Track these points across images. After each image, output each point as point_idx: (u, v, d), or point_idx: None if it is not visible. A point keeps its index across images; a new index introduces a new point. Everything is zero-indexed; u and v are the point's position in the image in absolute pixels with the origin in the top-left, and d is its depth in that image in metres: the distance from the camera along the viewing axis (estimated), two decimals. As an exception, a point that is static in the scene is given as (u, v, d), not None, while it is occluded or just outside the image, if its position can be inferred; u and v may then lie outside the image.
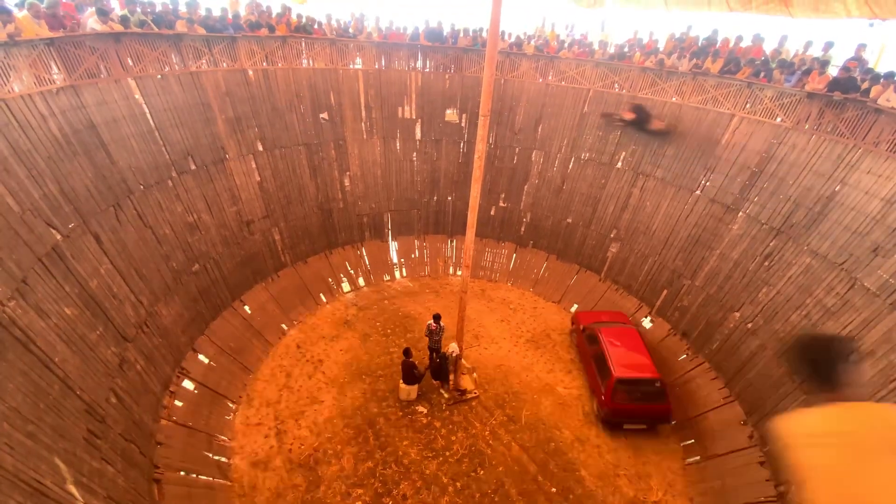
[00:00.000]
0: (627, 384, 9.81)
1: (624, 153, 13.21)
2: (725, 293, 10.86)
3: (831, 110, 9.32)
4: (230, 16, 11.42)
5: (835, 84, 9.31)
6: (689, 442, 10.12)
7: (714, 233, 11.29)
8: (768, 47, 11.66)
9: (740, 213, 10.78)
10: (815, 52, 10.84)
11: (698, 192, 11.69)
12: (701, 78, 11.46)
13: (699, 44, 12.49)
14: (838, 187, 8.99)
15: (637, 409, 9.94)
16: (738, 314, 10.48)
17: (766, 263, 10.05)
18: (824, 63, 10.05)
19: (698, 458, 9.76)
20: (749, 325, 10.13)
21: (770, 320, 9.70)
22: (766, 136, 10.35)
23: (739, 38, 12.16)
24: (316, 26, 13.09)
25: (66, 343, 6.54)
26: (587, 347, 11.28)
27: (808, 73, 9.91)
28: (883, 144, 8.45)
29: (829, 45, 10.35)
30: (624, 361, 10.14)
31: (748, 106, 10.78)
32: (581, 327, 11.85)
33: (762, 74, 10.65)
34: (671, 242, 12.31)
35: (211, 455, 8.75)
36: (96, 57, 8.33)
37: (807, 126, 9.72)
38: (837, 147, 9.14)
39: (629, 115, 11.60)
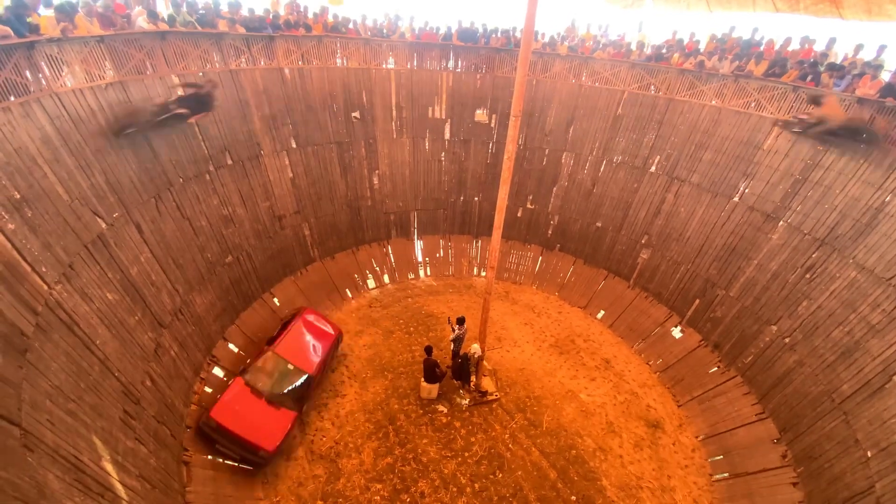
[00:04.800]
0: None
1: (658, 157, 12.87)
2: (762, 305, 10.43)
3: (883, 116, 8.81)
4: (270, 16, 11.73)
5: (888, 89, 8.79)
6: (718, 458, 9.79)
7: (752, 242, 10.85)
8: (819, 50, 11.07)
9: (781, 223, 10.33)
10: (867, 55, 10.25)
11: (736, 198, 11.26)
12: (743, 80, 11.04)
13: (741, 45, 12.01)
14: (888, 198, 8.49)
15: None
16: (774, 328, 10.05)
17: (808, 276, 9.60)
18: (877, 67, 9.52)
19: (726, 474, 9.44)
20: (787, 340, 9.70)
21: (810, 336, 9.27)
22: (812, 143, 9.86)
23: (788, 40, 11.56)
24: (350, 26, 13.29)
25: (107, 327, 6.86)
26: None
27: (859, 77, 9.40)
28: (941, 154, 7.95)
29: (882, 49, 9.78)
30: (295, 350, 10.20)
31: (793, 110, 10.31)
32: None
33: (809, 78, 10.16)
34: (705, 250, 11.91)
35: (237, 442, 8.99)
36: (143, 54, 8.69)
37: (856, 133, 9.23)
38: (889, 156, 8.63)
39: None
